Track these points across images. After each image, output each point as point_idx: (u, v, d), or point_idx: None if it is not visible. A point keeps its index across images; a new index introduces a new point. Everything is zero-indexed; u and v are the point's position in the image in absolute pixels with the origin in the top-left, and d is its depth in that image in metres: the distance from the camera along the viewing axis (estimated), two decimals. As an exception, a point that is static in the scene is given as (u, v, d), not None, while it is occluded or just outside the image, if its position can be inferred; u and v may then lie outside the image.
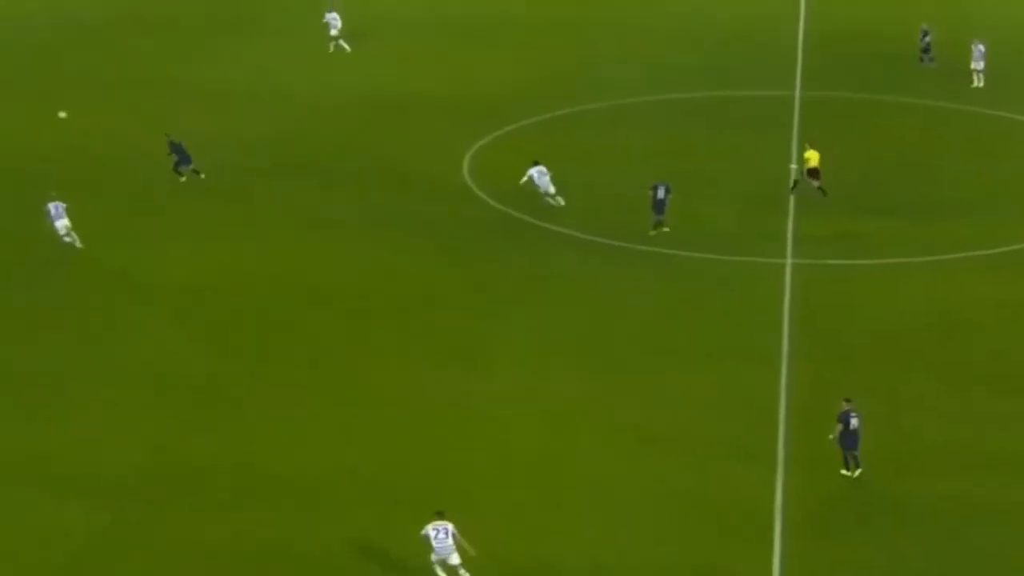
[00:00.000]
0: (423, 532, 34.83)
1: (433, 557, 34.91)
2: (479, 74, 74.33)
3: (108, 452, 40.26)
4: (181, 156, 59.10)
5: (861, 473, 38.75)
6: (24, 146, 64.04)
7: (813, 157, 57.39)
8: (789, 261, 52.21)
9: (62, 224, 52.94)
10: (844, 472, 38.89)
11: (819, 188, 56.91)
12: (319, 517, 37.23)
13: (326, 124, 67.03)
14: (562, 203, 56.33)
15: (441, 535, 34.71)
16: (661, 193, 54.42)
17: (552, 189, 56.26)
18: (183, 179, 59.12)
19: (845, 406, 39.15)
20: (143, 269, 51.90)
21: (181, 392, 43.53)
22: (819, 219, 55.58)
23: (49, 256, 52.48)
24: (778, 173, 59.70)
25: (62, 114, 59.30)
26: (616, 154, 63.06)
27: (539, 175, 56.30)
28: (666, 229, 54.29)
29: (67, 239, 53.05)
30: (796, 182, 57.92)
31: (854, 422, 38.94)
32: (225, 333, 47.35)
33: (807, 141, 58.64)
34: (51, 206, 53.15)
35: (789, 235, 54.45)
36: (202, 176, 59.06)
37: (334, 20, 78.12)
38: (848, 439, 38.90)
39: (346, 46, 78.13)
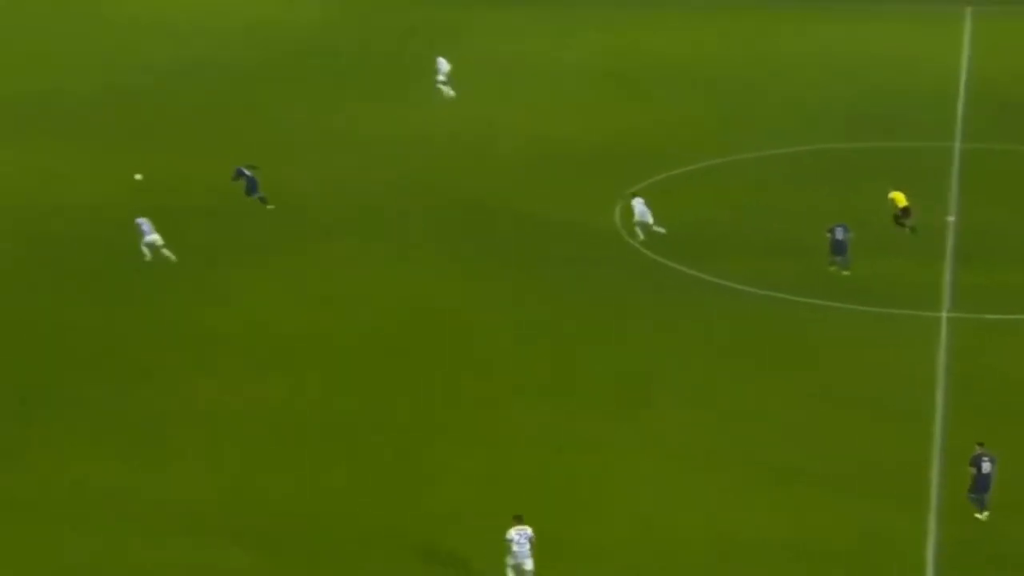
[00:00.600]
0: (506, 536, 35.46)
1: (510, 561, 35.44)
2: (635, 120, 73.93)
3: (254, 495, 40.50)
4: (250, 183, 60.52)
5: (989, 516, 38.04)
6: (195, 184, 64.90)
7: (900, 198, 57.17)
8: (945, 315, 51.19)
9: (152, 240, 54.98)
10: (977, 516, 38.17)
11: (910, 227, 56.57)
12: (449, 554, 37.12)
13: (479, 168, 67.07)
14: (663, 231, 57.29)
15: (522, 539, 35.41)
16: (840, 234, 54.28)
17: (651, 219, 57.46)
18: (270, 206, 60.62)
19: (978, 450, 38.38)
20: (281, 312, 52.27)
21: (321, 430, 43.65)
22: (977, 271, 54.48)
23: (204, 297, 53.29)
24: (934, 224, 58.67)
25: (138, 176, 60.10)
26: (767, 204, 62.26)
27: (640, 206, 57.61)
28: (846, 272, 53.94)
29: (159, 253, 55.15)
30: (913, 228, 56.93)
31: (986, 466, 38.09)
32: (361, 372, 47.34)
33: (891, 185, 58.26)
34: (141, 222, 55.21)
35: (946, 287, 53.46)
36: (270, 207, 60.33)
37: (442, 65, 78.67)
38: (980, 483, 38.11)
39: (451, 91, 78.12)
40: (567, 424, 43.90)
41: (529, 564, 35.35)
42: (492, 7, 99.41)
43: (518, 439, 43.10)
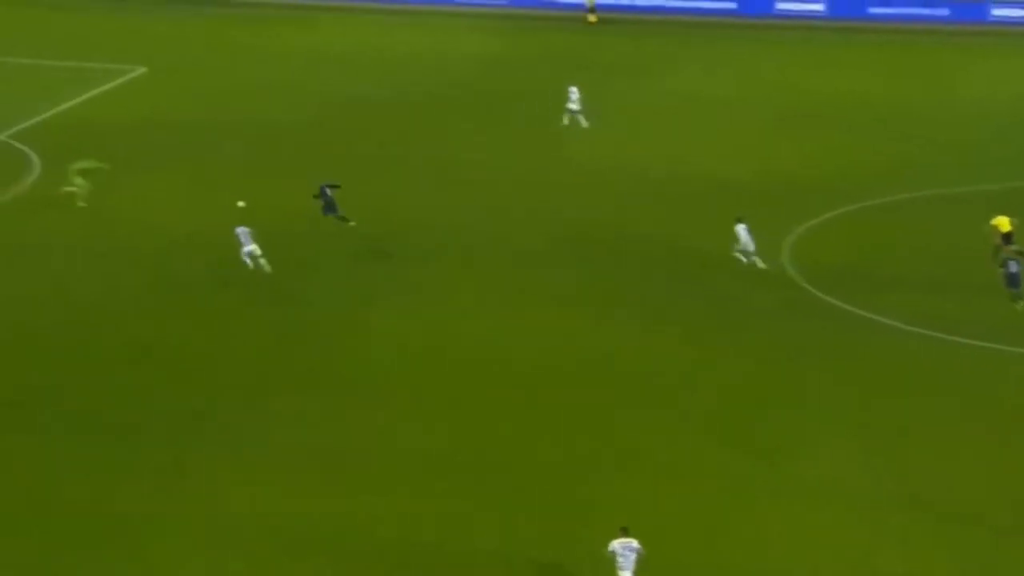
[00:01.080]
0: (610, 548, 35.79)
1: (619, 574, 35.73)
2: (800, 157, 73.05)
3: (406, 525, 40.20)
4: (328, 203, 60.37)
5: None
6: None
7: (1004, 223, 56.18)
8: None
9: (250, 249, 56.22)
10: None
11: (1017, 251, 55.29)
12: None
13: (639, 204, 66.29)
14: (762, 265, 56.60)
15: (627, 551, 35.67)
16: (1014, 268, 53.24)
17: (752, 247, 56.85)
18: (352, 223, 60.41)
19: None
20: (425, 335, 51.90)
21: (481, 464, 43.25)
22: None
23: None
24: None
25: (240, 204, 59.96)
26: (929, 245, 61.12)
27: (744, 234, 57.10)
28: (1020, 306, 53.06)
29: (257, 262, 56.34)
30: (1004, 260, 55.51)
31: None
32: (526, 407, 46.88)
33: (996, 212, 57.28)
34: (240, 232, 56.55)
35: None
36: (351, 223, 60.21)
37: (573, 94, 78.04)
38: None
39: (584, 121, 77.57)
40: (720, 461, 43.43)
41: None
42: (642, 41, 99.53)
43: (676, 477, 42.66)
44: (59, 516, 40.78)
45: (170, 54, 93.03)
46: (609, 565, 36.36)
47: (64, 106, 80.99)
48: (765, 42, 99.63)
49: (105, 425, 45.82)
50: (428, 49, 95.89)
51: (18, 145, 73.66)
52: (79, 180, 63.73)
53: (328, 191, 60.72)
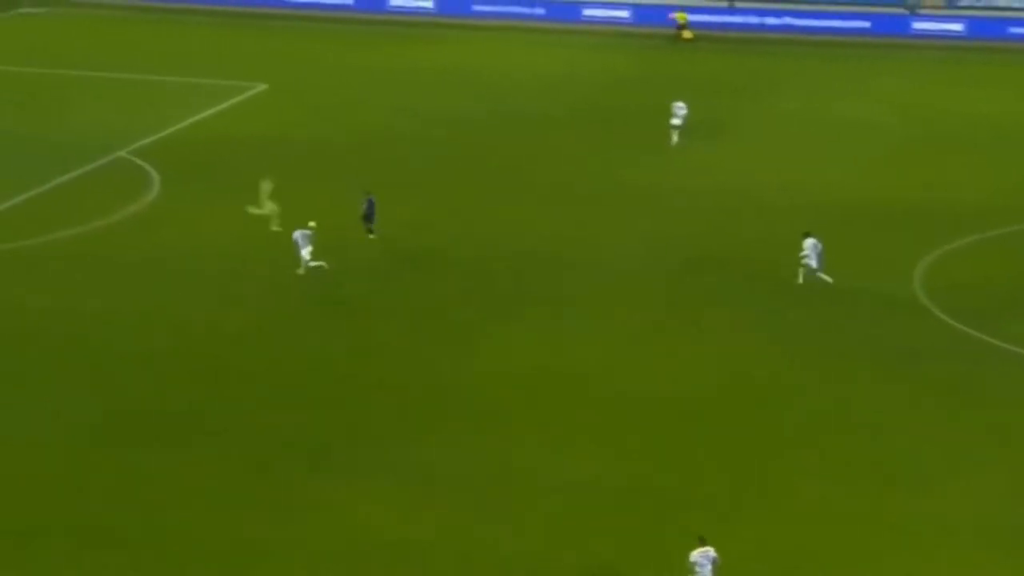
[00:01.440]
0: (690, 558, 36.04)
1: None
2: (932, 181, 70.96)
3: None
4: (369, 211, 61.21)
5: None
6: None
7: None
8: None
9: (307, 252, 57.46)
10: None
11: None
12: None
13: (765, 229, 64.23)
14: (829, 280, 55.65)
15: (704, 561, 35.98)
16: None
17: (815, 264, 55.82)
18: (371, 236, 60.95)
19: None
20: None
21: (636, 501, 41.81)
22: None
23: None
24: None
25: (312, 224, 58.84)
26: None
27: (812, 248, 56.05)
28: None
29: (313, 264, 57.53)
30: None
31: None
32: (674, 441, 45.44)
33: None
34: (298, 235, 57.54)
35: None
36: (371, 236, 60.95)
37: (679, 110, 76.48)
38: None
39: (674, 138, 76.09)
40: (872, 501, 41.91)
41: None
42: (767, 60, 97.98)
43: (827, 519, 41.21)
44: (183, 537, 39.96)
45: (292, 71, 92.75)
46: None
47: (185, 122, 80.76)
48: (895, 61, 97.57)
49: (241, 448, 44.97)
50: (553, 67, 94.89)
51: (138, 161, 73.31)
52: (270, 204, 62.94)
53: (372, 201, 61.51)
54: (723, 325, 54.18)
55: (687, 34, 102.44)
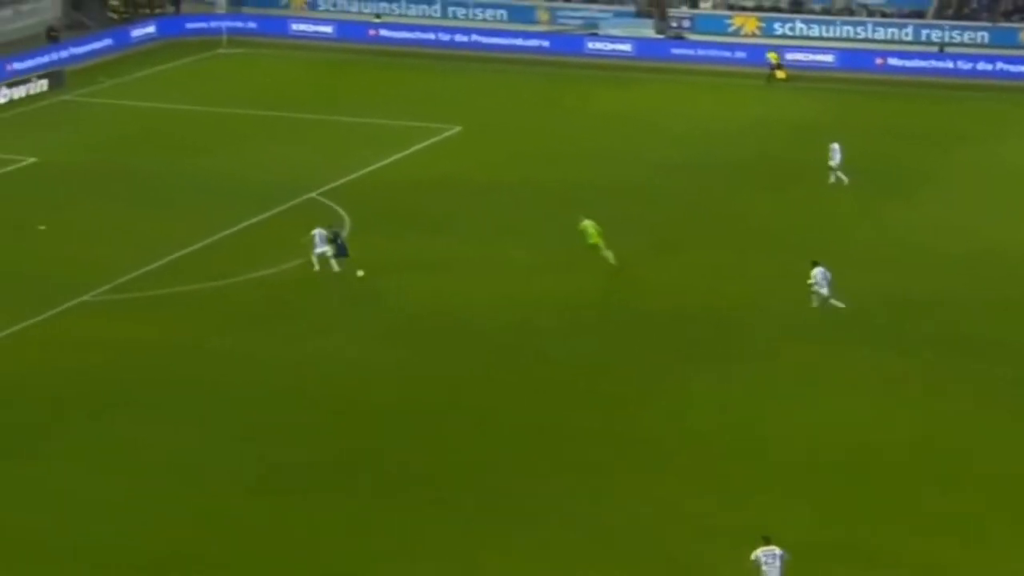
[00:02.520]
0: (752, 557, 36.46)
1: None
2: None
3: None
4: (340, 247, 61.95)
5: None
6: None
7: None
8: None
9: (322, 251, 60.72)
10: None
11: None
12: None
13: (954, 281, 62.43)
14: (842, 306, 56.60)
15: (770, 559, 36.27)
16: None
17: (826, 292, 56.94)
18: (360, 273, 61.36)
19: None
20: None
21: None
22: None
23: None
24: None
25: (360, 272, 60.32)
26: None
27: (821, 276, 56.64)
28: None
29: (327, 264, 61.03)
30: None
31: None
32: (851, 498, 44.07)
33: None
34: (316, 234, 60.70)
35: None
36: (360, 273, 61.10)
37: (835, 152, 75.10)
38: None
39: (844, 178, 74.65)
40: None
41: None
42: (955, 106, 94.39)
43: None
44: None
45: (488, 114, 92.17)
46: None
47: (377, 164, 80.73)
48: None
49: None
50: (744, 113, 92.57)
51: (327, 202, 73.28)
52: (609, 253, 62.68)
53: (340, 237, 62.73)
54: (915, 380, 52.64)
55: (780, 74, 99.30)
